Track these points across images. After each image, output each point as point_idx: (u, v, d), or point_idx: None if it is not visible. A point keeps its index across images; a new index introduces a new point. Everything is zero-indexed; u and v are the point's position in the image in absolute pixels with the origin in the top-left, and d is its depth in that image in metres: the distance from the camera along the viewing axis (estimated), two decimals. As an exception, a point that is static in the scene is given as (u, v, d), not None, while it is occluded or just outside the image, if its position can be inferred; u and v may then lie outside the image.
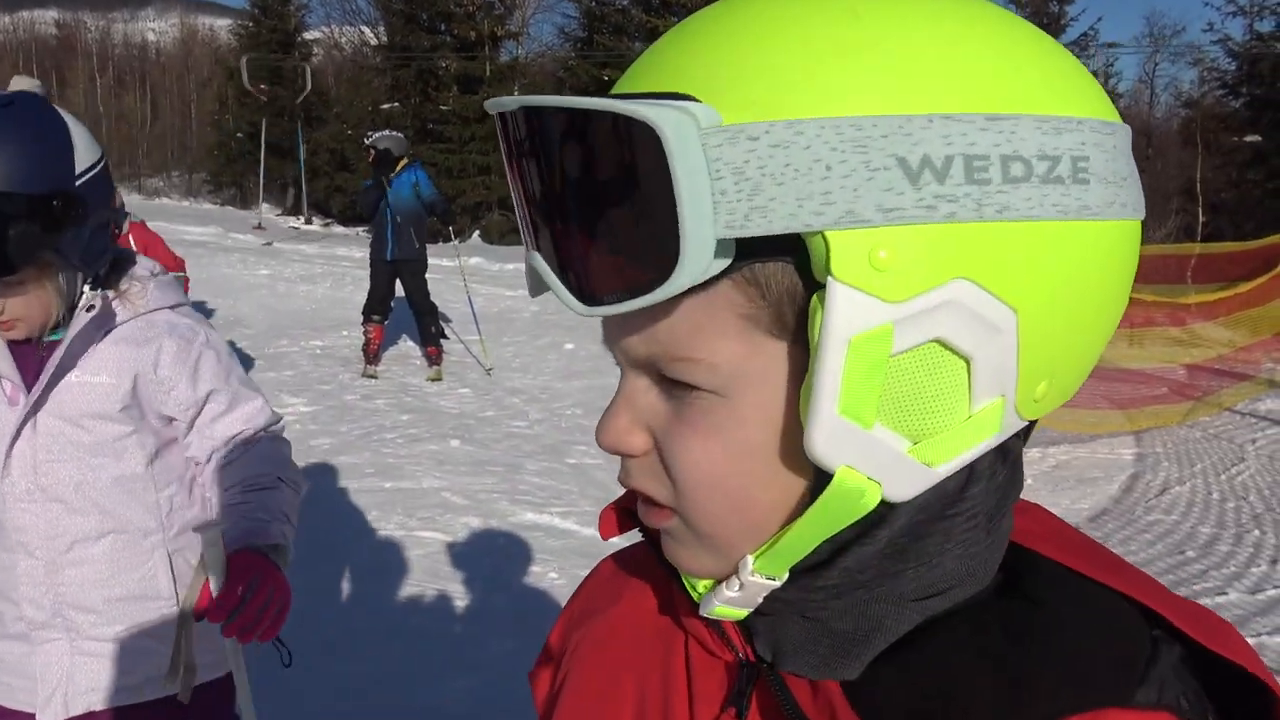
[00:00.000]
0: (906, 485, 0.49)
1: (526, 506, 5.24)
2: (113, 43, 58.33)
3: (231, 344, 8.78)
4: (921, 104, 0.45)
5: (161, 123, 46.36)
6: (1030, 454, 5.74)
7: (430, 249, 8.73)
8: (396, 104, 27.44)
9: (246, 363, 8.33)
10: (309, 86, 27.70)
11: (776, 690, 0.57)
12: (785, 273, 0.47)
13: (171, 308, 1.71)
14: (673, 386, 0.52)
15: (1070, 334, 0.50)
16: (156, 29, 58.49)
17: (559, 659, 0.76)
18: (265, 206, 32.41)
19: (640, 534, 0.64)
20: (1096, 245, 0.49)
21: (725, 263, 0.46)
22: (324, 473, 5.65)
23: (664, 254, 0.45)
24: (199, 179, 35.79)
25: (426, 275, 8.50)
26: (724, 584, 0.54)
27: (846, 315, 0.45)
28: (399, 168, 8.23)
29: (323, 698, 3.25)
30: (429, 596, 4.13)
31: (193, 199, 30.27)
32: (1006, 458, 0.54)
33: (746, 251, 0.46)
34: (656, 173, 0.44)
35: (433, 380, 8.35)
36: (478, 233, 15.54)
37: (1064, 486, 6.09)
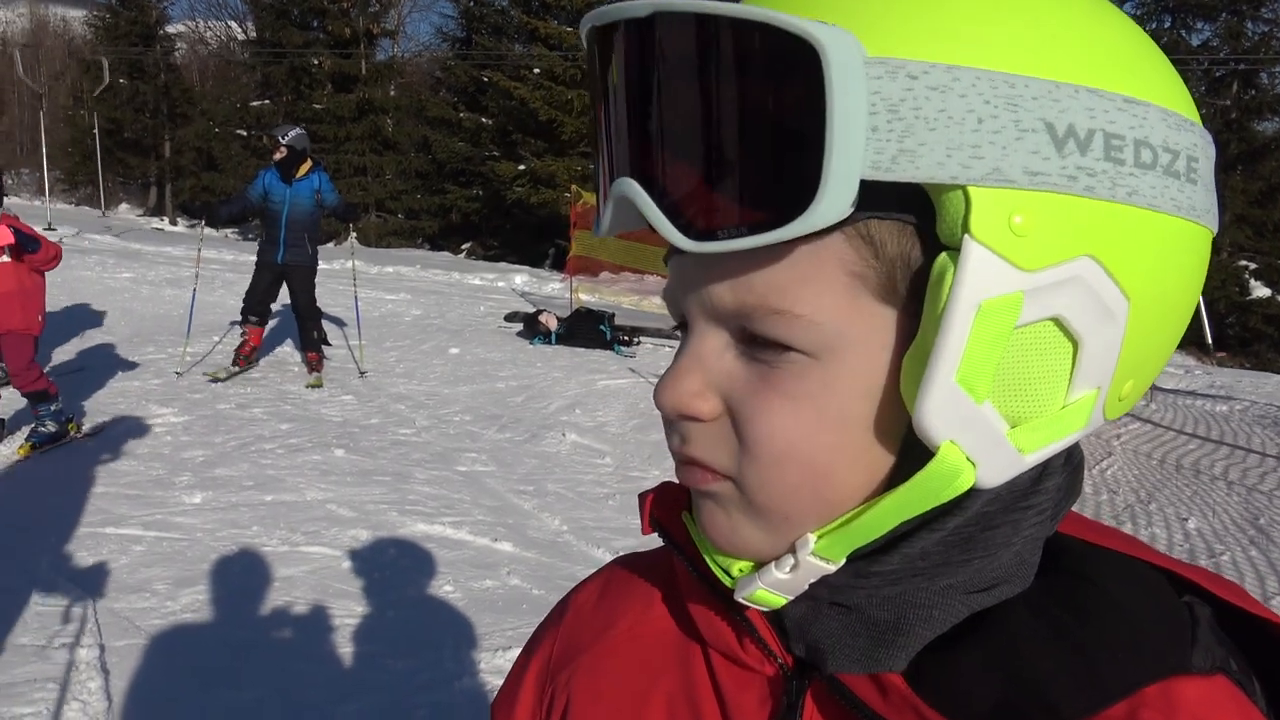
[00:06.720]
0: (998, 471, 0.47)
1: (417, 517, 5.05)
2: (-47, 32, 54.57)
3: (92, 352, 8.22)
4: (1069, 73, 0.44)
5: (9, 117, 43.88)
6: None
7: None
8: (267, 101, 26.59)
9: (109, 372, 7.86)
10: None
11: (840, 696, 0.52)
12: (903, 234, 0.45)
13: None
14: (758, 347, 0.49)
15: (1161, 334, 0.49)
16: (4, 18, 55.04)
17: (544, 696, 0.69)
18: (125, 207, 30.88)
19: (662, 539, 0.61)
20: (1193, 248, 0.49)
21: (851, 210, 0.43)
22: (199, 487, 5.33)
23: (802, 188, 0.42)
24: (52, 177, 33.96)
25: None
26: (772, 564, 0.51)
27: (980, 277, 0.43)
28: (304, 170, 7.99)
29: (204, 730, 3.02)
30: (316, 615, 3.92)
31: (44, 198, 28.60)
32: (1071, 459, 0.54)
33: (865, 203, 0.43)
34: (811, 97, 0.41)
35: (313, 387, 8.04)
36: (354, 235, 15.12)
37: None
